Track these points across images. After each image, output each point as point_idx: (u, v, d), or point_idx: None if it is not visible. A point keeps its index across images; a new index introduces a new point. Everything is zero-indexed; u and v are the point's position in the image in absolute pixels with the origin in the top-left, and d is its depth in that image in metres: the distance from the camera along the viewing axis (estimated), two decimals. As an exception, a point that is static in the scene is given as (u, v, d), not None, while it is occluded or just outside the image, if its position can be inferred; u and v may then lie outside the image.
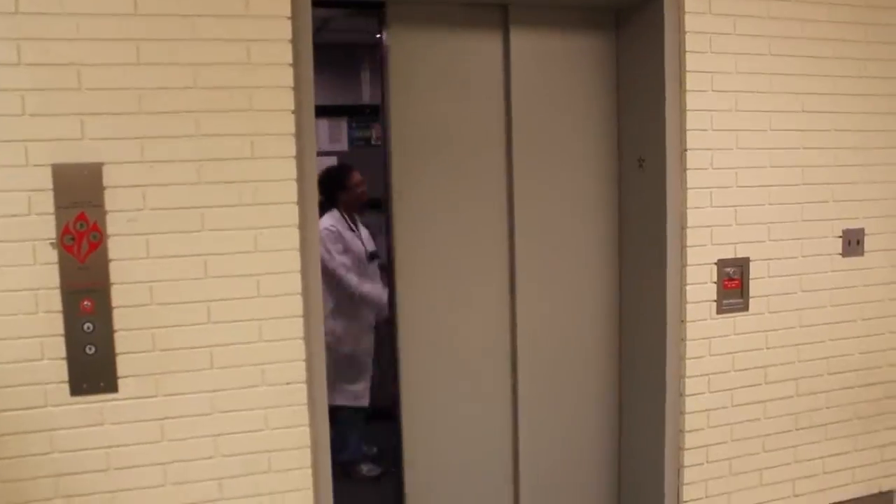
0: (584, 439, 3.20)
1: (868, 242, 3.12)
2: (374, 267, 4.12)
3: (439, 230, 2.99)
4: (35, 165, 2.18)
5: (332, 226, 3.89)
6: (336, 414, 3.80)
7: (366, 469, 4.04)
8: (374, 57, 4.78)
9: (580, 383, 3.17)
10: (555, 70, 3.03)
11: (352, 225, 4.03)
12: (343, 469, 4.03)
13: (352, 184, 4.00)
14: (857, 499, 3.24)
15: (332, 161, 4.77)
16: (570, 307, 3.12)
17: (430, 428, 3.03)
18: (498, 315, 3.07)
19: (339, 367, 3.84)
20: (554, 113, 3.03)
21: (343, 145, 4.86)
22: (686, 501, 2.93)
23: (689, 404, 2.90)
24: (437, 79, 2.95)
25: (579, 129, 3.07)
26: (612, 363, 3.20)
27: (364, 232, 4.11)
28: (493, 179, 3.02)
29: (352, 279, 3.86)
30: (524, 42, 2.99)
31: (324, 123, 4.77)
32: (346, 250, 3.90)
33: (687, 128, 2.79)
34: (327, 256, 3.80)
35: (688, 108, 2.79)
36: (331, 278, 3.82)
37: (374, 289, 3.93)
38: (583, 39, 3.05)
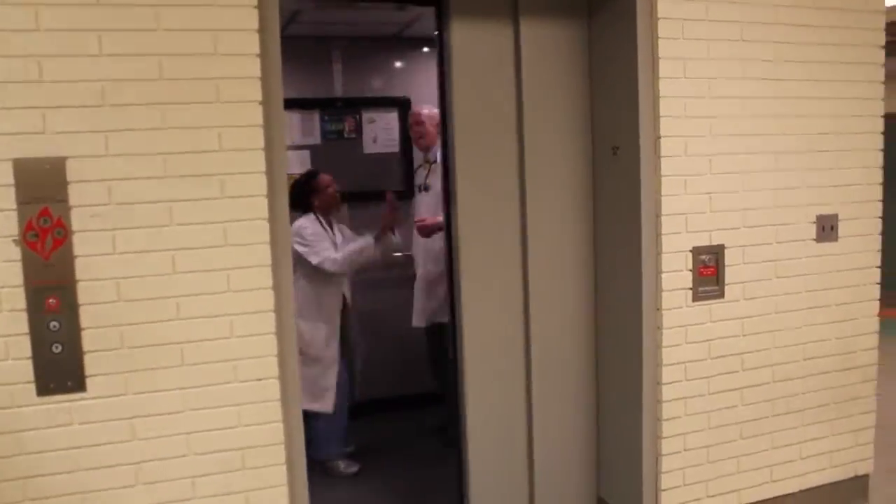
0: (562, 428, 3.19)
1: (842, 228, 3.14)
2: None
3: (490, 223, 3.03)
4: (-5, 160, 2.13)
5: (307, 226, 3.86)
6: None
7: (343, 466, 4.01)
8: (347, 49, 4.76)
9: (558, 373, 3.15)
10: (529, 57, 3.00)
11: (326, 227, 3.96)
12: (321, 466, 3.99)
13: (322, 186, 3.98)
14: (834, 483, 3.26)
15: (304, 154, 4.70)
16: (546, 297, 3.10)
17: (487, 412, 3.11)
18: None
19: (304, 370, 3.79)
20: (528, 101, 3.01)
21: (316, 139, 4.75)
22: (664, 489, 2.94)
23: (666, 392, 2.90)
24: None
25: (551, 119, 3.05)
26: (588, 353, 3.19)
27: (339, 234, 4.02)
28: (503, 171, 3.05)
29: (337, 259, 3.83)
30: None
31: (296, 117, 4.68)
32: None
33: (661, 115, 2.78)
34: (310, 252, 3.78)
35: (661, 94, 2.78)
36: (317, 276, 3.83)
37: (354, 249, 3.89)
38: (555, 27, 3.02)
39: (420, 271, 4.24)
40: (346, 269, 3.93)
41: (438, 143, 4.13)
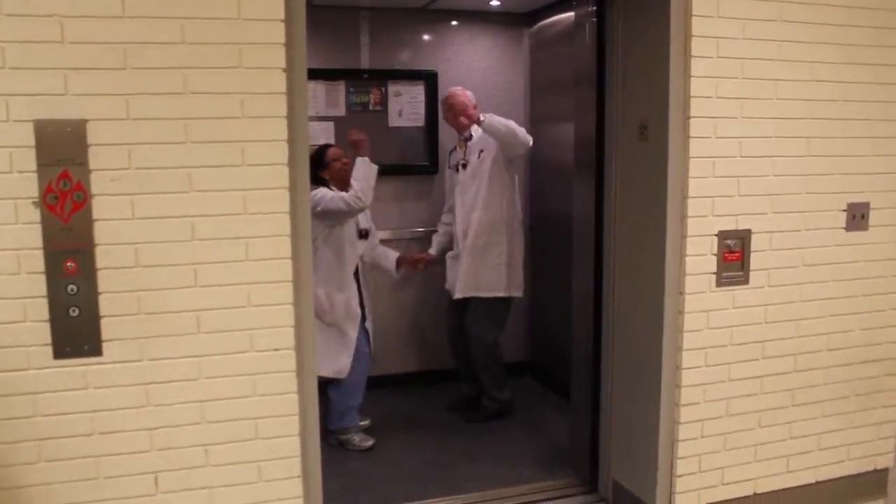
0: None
1: (873, 217, 3.06)
2: (366, 244, 4.07)
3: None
4: (16, 121, 2.11)
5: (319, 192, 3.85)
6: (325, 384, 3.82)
7: (357, 440, 4.01)
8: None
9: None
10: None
11: None
12: (335, 439, 4.01)
13: (330, 159, 3.99)
14: (852, 476, 3.22)
15: (329, 126, 4.67)
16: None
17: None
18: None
19: (322, 336, 3.83)
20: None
21: (341, 110, 4.72)
22: (679, 475, 2.91)
23: (686, 378, 2.86)
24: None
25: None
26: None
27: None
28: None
29: (352, 193, 3.81)
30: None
31: (321, 87, 4.65)
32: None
33: (691, 95, 2.71)
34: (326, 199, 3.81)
35: (692, 74, 2.71)
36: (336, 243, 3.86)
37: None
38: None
39: (488, 242, 4.18)
40: (368, 197, 3.87)
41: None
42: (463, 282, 4.19)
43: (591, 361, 3.25)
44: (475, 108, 4.19)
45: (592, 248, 3.17)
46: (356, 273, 4.02)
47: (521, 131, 4.02)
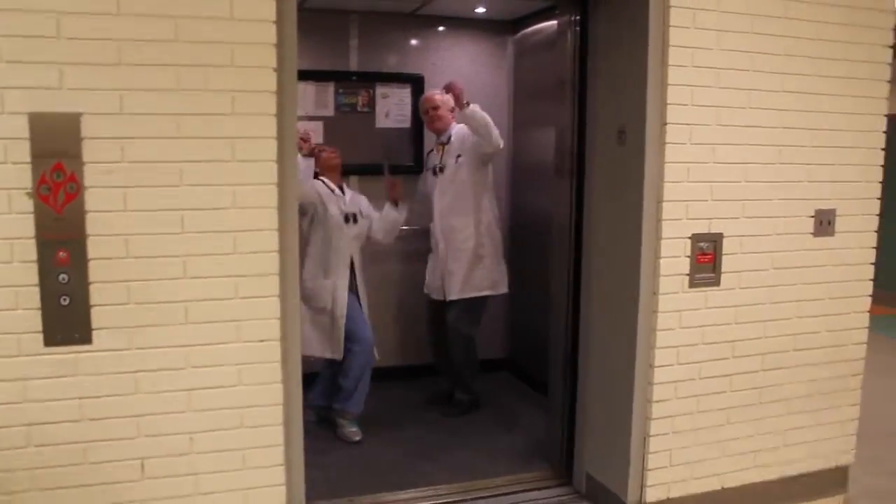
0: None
1: (838, 223, 3.18)
2: (353, 228, 4.10)
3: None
4: (11, 113, 2.16)
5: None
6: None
7: (349, 431, 4.08)
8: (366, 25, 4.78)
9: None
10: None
11: (332, 187, 4.09)
12: (328, 419, 4.15)
13: (317, 151, 4.10)
14: (815, 472, 3.33)
15: (318, 125, 4.75)
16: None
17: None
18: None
19: (314, 320, 4.00)
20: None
21: (329, 111, 4.82)
22: (650, 469, 3.01)
23: (658, 375, 2.96)
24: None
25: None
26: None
27: (352, 196, 4.18)
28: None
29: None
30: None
31: (310, 88, 4.73)
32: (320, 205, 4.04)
33: (668, 102, 2.82)
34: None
35: (669, 82, 2.81)
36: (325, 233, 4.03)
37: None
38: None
39: (471, 244, 4.27)
40: (386, 239, 4.18)
41: (453, 125, 4.23)
42: (456, 284, 4.27)
43: (568, 358, 3.35)
44: (451, 111, 4.31)
45: (571, 248, 3.27)
46: (352, 262, 4.10)
47: (496, 131, 4.10)
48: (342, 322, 4.01)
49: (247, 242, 2.40)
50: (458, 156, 4.27)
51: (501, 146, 4.18)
